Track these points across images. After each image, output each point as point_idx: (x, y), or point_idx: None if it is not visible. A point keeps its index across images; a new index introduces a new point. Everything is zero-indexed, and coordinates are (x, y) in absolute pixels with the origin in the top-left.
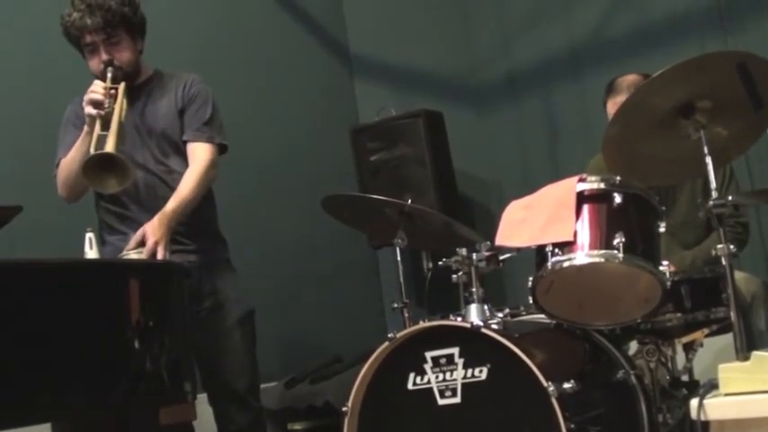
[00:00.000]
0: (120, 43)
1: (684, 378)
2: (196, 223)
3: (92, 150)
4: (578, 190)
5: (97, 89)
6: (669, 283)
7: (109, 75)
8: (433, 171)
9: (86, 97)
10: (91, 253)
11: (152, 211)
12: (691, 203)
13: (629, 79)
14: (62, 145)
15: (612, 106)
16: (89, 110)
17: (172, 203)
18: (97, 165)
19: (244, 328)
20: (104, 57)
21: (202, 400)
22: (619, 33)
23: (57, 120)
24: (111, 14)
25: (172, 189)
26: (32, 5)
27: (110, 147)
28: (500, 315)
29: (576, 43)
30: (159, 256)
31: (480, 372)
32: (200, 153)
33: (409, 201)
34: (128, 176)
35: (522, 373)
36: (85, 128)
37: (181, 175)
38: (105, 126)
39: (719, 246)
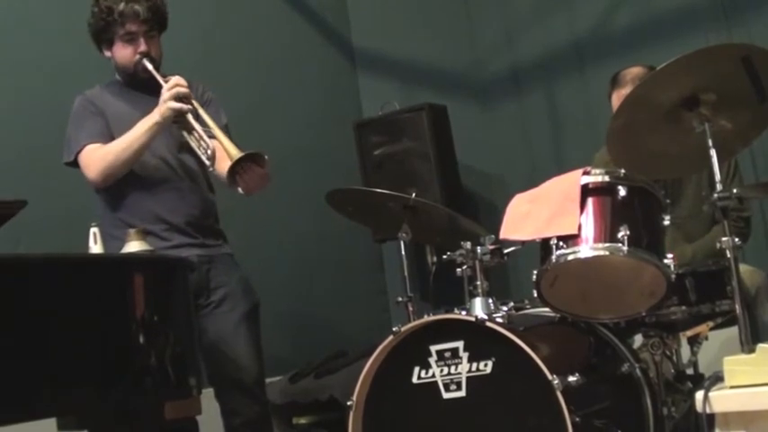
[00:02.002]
0: (155, 37)
1: (689, 371)
2: (206, 218)
3: (201, 145)
4: (582, 183)
5: (182, 83)
6: (674, 276)
7: (150, 66)
8: (437, 165)
9: (171, 91)
10: (95, 248)
11: (166, 202)
12: (697, 196)
13: (634, 71)
14: (84, 132)
15: (617, 98)
16: (176, 105)
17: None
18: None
19: (250, 321)
20: (143, 48)
21: (207, 395)
22: (622, 27)
23: (60, 115)
24: (156, 8)
25: (184, 182)
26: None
27: (232, 146)
28: (504, 309)
29: (579, 37)
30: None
31: (485, 365)
32: None
33: (413, 195)
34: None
35: (527, 367)
36: (155, 119)
37: (194, 170)
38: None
39: (724, 238)
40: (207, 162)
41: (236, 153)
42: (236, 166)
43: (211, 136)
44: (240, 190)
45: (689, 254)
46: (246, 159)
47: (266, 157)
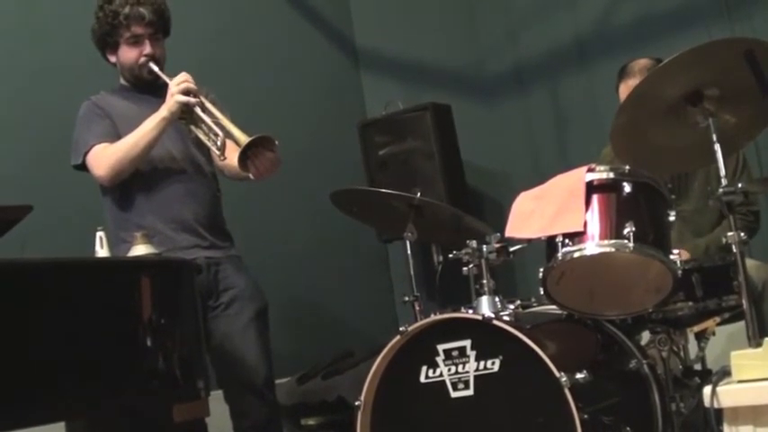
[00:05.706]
0: (160, 40)
1: (697, 367)
2: (215, 216)
3: (211, 137)
4: (587, 180)
5: (189, 79)
6: (680, 272)
7: (156, 68)
8: (442, 164)
9: (180, 86)
10: (102, 252)
11: (175, 199)
12: (704, 190)
13: (642, 63)
14: (91, 134)
15: (625, 90)
16: (183, 98)
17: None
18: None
19: (259, 323)
20: (149, 50)
21: (216, 397)
22: (625, 23)
23: (65, 120)
24: (161, 11)
25: (192, 178)
26: (39, 6)
27: (241, 133)
28: (511, 307)
29: (582, 33)
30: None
31: (492, 363)
32: None
33: (418, 194)
34: (275, 149)
35: (535, 364)
36: (163, 115)
37: (203, 167)
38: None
39: (730, 233)
40: (217, 152)
41: (246, 138)
42: (248, 151)
43: (220, 127)
44: (251, 176)
45: (702, 247)
46: (257, 143)
47: (276, 141)
